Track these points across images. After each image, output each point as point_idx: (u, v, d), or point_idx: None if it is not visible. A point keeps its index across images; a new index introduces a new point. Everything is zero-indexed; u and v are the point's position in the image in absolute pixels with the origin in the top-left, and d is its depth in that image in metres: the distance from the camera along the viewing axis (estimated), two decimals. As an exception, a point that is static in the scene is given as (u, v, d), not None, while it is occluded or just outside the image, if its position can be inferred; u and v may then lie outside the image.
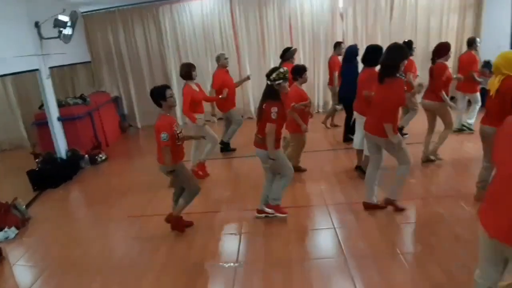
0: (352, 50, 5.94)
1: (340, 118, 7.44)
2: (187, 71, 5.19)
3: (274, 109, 3.62)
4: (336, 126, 7.48)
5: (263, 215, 4.15)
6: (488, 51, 6.18)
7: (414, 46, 6.05)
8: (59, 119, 6.54)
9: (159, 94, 3.69)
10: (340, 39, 8.60)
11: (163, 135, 3.62)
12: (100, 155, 6.98)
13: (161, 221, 4.30)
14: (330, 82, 7.38)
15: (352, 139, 6.38)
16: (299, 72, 4.80)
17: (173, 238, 4.01)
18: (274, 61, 8.79)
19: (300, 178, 5.16)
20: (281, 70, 3.73)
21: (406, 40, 6.21)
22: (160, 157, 3.86)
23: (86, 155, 6.79)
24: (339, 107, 7.02)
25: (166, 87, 3.76)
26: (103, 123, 7.79)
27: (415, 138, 5.94)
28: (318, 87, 8.91)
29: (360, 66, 4.89)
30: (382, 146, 3.85)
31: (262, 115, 3.76)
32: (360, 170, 5.04)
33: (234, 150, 6.67)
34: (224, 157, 6.51)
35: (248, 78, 6.85)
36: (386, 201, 4.07)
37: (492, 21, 7.95)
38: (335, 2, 8.47)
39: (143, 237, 4.14)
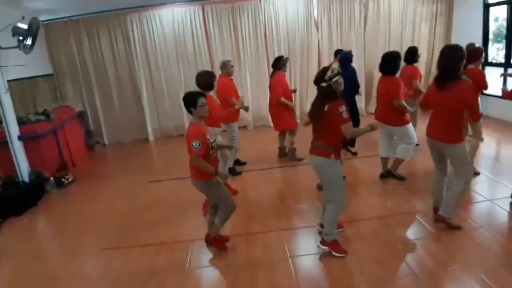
0: (347, 56, 5.96)
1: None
2: (212, 81, 4.76)
3: (341, 108, 3.20)
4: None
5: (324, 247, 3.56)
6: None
7: (419, 52, 5.80)
8: (20, 138, 5.86)
9: (191, 101, 3.36)
10: (315, 48, 8.58)
11: (195, 143, 3.26)
12: (67, 177, 6.36)
13: (143, 253, 3.88)
14: None
15: (350, 151, 6.29)
16: None
17: (163, 272, 3.58)
18: (249, 70, 8.57)
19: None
20: (333, 66, 3.34)
21: (411, 46, 5.85)
22: (192, 171, 3.51)
23: (52, 178, 6.14)
24: None
25: (200, 94, 3.42)
26: (68, 141, 7.13)
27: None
28: (294, 96, 8.68)
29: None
30: (447, 154, 3.63)
31: (327, 119, 3.28)
32: (390, 175, 5.05)
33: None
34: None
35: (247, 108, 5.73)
36: (436, 218, 3.80)
37: (463, 27, 8.22)
38: (310, 11, 8.40)
39: (126, 272, 3.64)
